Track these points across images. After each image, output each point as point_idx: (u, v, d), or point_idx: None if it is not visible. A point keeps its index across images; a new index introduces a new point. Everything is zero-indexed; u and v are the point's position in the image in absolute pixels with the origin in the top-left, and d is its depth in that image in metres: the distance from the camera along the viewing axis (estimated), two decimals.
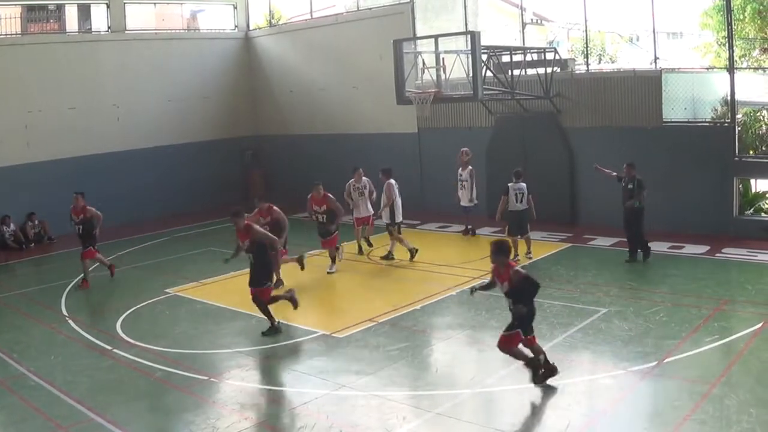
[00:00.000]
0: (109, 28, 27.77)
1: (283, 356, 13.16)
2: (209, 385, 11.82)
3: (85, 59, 26.63)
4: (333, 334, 13.81)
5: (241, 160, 31.05)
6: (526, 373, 10.90)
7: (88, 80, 26.62)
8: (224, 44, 30.74)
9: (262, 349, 13.50)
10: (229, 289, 17.25)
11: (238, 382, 11.90)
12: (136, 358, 13.05)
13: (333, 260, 18.66)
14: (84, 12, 28.36)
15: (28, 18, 27.08)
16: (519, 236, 18.41)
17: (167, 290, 17.64)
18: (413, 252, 19.17)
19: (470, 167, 21.78)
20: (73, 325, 15.23)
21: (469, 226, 22.17)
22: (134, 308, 16.16)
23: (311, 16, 29.69)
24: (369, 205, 20.01)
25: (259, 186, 29.90)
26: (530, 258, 18.67)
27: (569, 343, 12.78)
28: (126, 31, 27.96)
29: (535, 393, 10.80)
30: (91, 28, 28.41)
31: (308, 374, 12.06)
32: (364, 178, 19.98)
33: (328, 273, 18.42)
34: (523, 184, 18.36)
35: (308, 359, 12.85)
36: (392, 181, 19.39)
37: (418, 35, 23.86)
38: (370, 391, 11.16)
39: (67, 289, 17.70)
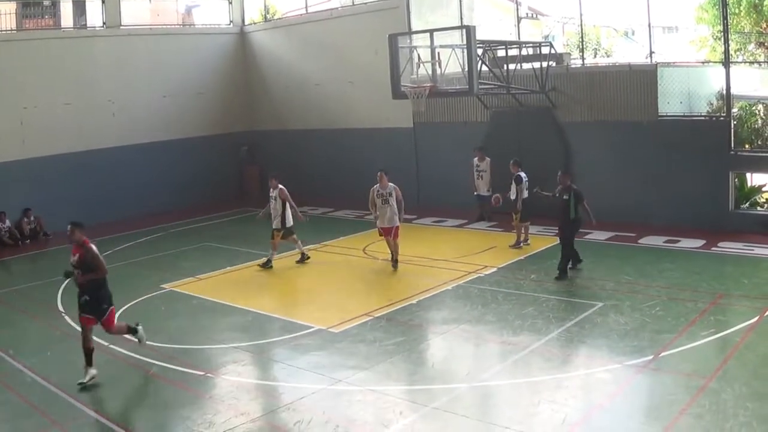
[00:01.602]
0: (104, 23, 27.72)
1: (279, 351, 13.15)
2: (205, 380, 11.82)
3: (80, 55, 26.58)
4: (329, 329, 13.81)
5: (236, 155, 30.99)
6: (522, 367, 10.90)
7: (83, 76, 26.58)
8: (219, 39, 30.69)
9: (258, 344, 13.49)
10: (224, 285, 17.27)
11: (235, 377, 11.91)
12: (133, 354, 13.03)
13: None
14: (79, 7, 28.34)
15: (23, 14, 27.05)
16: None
17: (163, 286, 17.64)
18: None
19: (487, 158, 22.50)
20: (69, 321, 15.17)
21: (485, 213, 22.91)
22: (130, 304, 16.07)
23: (306, 10, 29.64)
24: (396, 214, 18.09)
25: (254, 181, 29.92)
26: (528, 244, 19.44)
27: (565, 337, 12.79)
28: (121, 27, 27.88)
29: (531, 387, 10.82)
30: (86, 24, 28.40)
31: (304, 369, 12.05)
32: (390, 184, 18.19)
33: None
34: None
35: (304, 354, 12.82)
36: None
37: (414, 30, 23.81)
38: (367, 386, 11.17)
39: (63, 285, 17.64)
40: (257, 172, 30.37)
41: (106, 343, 13.50)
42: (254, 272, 18.42)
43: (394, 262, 18.16)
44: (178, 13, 30.99)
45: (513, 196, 19.25)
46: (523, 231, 19.55)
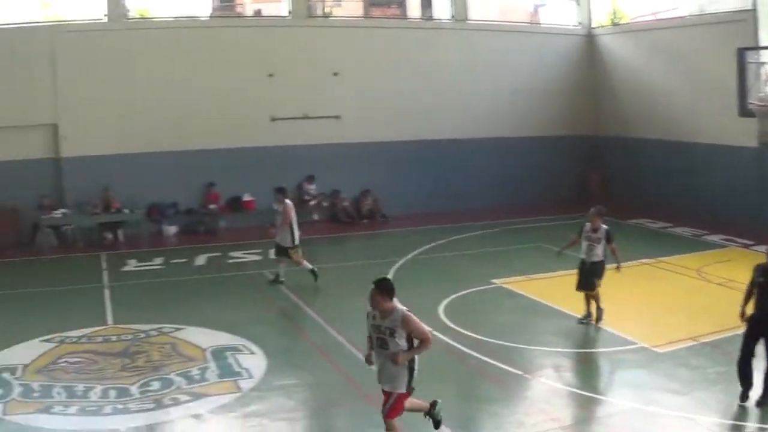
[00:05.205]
0: (452, 16, 28.21)
1: (599, 362, 13.08)
2: (522, 380, 11.99)
3: (425, 46, 27.35)
4: (653, 348, 13.38)
5: (579, 158, 30.65)
6: None
7: (427, 67, 27.20)
8: (565, 40, 30.31)
9: (579, 352, 13.49)
10: (554, 287, 17.26)
11: (551, 381, 12.00)
12: (454, 343, 13.48)
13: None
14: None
15: (370, 2, 28.49)
16: None
17: (493, 281, 17.92)
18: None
19: None
20: (395, 301, 15.90)
21: None
22: (458, 294, 16.61)
23: (655, 17, 28.76)
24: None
25: (597, 187, 29.45)
26: None
27: None
28: (468, 21, 28.31)
29: None
30: (432, 16, 29.17)
31: (621, 385, 11.92)
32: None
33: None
34: None
35: (624, 369, 12.64)
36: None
37: (762, 44, 22.32)
38: (681, 412, 10.76)
39: (395, 267, 18.53)
40: (599, 176, 29.94)
41: (429, 329, 14.03)
42: None
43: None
44: (525, 11, 31.03)
45: None
46: None
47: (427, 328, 9.20)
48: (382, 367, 9.10)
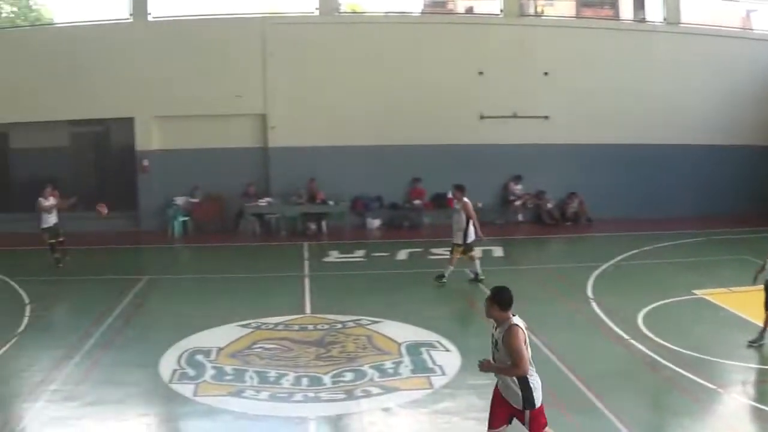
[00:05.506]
0: (664, 19, 27.41)
1: None
2: (714, 394, 11.59)
3: (637, 49, 26.64)
4: None
5: None
6: None
7: (637, 70, 26.48)
8: None
9: None
10: (757, 301, 16.47)
11: (744, 398, 11.58)
12: (650, 353, 13.17)
13: None
14: (639, 1, 28.35)
15: (582, 2, 28.07)
16: None
17: (694, 291, 17.36)
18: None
19: None
20: (595, 307, 15.82)
21: None
22: (658, 303, 16.18)
23: None
24: None
25: None
26: None
27: None
28: (680, 24, 27.40)
29: None
30: (644, 18, 28.38)
31: None
32: None
33: None
34: None
35: None
36: None
37: None
38: None
39: (596, 272, 18.28)
40: None
41: (627, 337, 13.88)
42: None
43: None
44: (738, 15, 29.54)
45: None
46: None
47: (526, 358, 8.23)
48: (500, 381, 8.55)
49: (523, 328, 8.30)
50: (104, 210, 20.13)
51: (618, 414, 10.55)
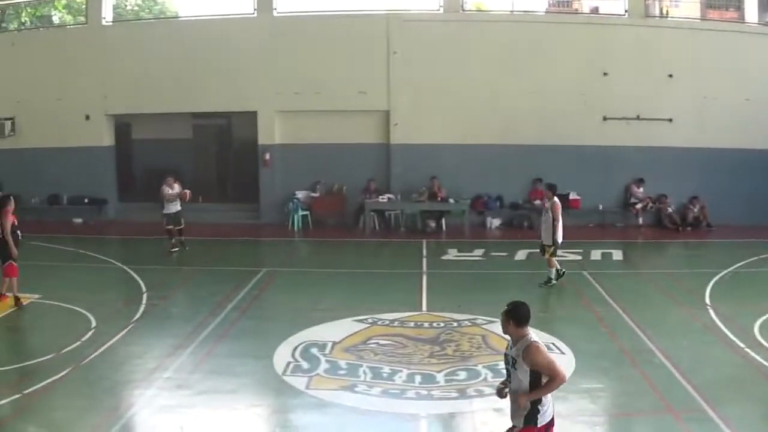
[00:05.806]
0: None
1: None
2: None
3: (762, 52, 26.02)
4: None
5: None
6: None
7: (763, 74, 25.86)
8: None
9: None
10: None
11: None
12: (766, 363, 12.91)
13: None
14: (764, 3, 27.57)
15: (707, 3, 27.54)
16: None
17: None
18: None
19: None
20: (712, 314, 15.66)
21: None
22: None
23: None
24: None
25: None
26: None
27: None
28: None
29: None
30: None
31: None
32: None
33: None
34: None
35: None
36: None
37: None
38: None
39: (715, 279, 18.11)
40: None
41: (743, 346, 13.74)
42: None
43: None
44: None
45: None
46: None
47: (560, 367, 7.87)
48: (511, 402, 7.99)
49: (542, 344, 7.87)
50: (188, 195, 21.25)
51: (731, 424, 10.43)
